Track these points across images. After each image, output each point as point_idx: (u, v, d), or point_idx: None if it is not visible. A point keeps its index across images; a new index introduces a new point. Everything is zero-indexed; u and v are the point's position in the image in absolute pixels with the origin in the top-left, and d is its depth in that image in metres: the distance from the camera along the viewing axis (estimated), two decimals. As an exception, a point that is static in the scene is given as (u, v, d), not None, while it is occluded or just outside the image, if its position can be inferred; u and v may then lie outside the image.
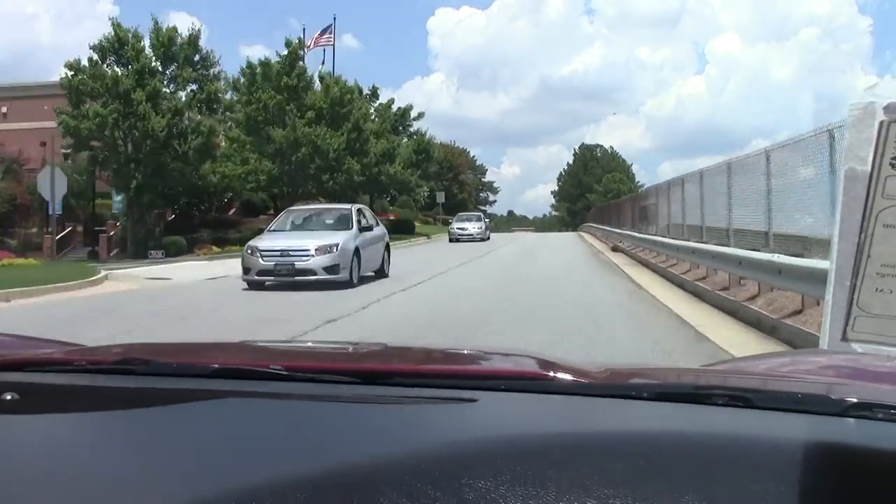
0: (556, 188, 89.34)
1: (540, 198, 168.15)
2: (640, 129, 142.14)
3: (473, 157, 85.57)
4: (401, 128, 45.33)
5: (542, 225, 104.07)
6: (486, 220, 38.27)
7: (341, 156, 31.62)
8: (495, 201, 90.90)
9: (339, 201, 23.02)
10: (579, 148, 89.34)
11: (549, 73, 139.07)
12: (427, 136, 47.00)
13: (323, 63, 39.51)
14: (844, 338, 0.60)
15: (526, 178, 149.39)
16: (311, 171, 31.33)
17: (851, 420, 0.73)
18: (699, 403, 0.83)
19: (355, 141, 32.83)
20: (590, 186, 77.93)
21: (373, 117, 38.47)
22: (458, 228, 35.77)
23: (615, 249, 24.00)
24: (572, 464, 0.63)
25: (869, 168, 0.55)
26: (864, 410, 0.73)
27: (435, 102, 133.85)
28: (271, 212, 34.28)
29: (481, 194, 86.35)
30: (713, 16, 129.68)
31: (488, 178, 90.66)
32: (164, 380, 0.97)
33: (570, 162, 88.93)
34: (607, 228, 31.66)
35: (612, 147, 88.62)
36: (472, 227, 35.27)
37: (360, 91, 43.28)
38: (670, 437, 0.72)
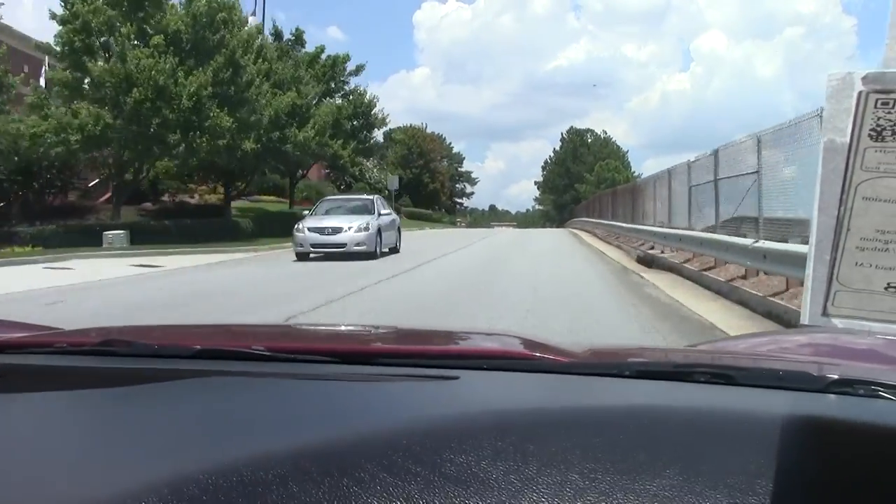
0: (541, 178, 78.68)
1: (524, 192, 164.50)
2: (625, 126, 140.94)
3: (450, 144, 78.04)
4: (332, 84, 33.14)
5: (524, 220, 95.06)
6: (385, 211, 16.87)
7: (203, 104, 19.93)
8: (472, 193, 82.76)
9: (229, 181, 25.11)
10: (567, 133, 78.28)
11: (535, 69, 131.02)
12: (369, 96, 34.05)
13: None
14: (825, 313, 0.58)
15: (510, 172, 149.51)
16: (152, 128, 19.71)
17: (832, 396, 0.75)
18: (682, 381, 0.84)
19: (228, 83, 21.02)
20: (579, 176, 69.33)
21: (277, 63, 26.15)
22: (310, 231, 15.33)
23: (645, 262, 12.94)
24: (554, 439, 0.64)
25: (848, 140, 0.54)
26: (845, 387, 0.76)
27: (420, 97, 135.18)
28: (109, 195, 22.72)
29: (457, 185, 77.84)
30: (699, 13, 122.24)
31: (467, 167, 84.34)
32: (146, 360, 0.98)
33: (557, 149, 78.88)
34: (613, 224, 23.43)
35: (604, 132, 79.41)
36: (345, 228, 15.12)
37: (279, 35, 31.70)
38: (652, 412, 0.73)
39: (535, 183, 79.80)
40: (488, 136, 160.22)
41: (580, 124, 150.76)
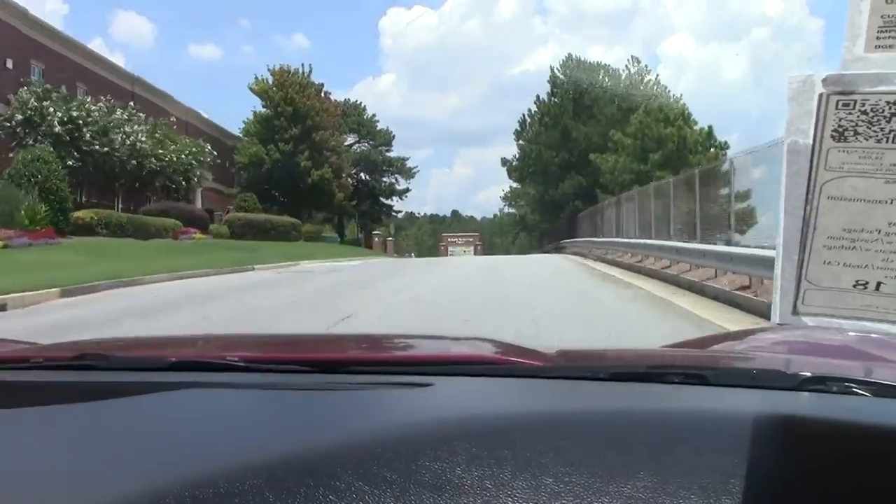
0: (514, 159, 46.97)
1: (492, 199, 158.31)
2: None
3: (374, 118, 61.16)
4: None
5: (491, 229, 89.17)
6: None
7: None
8: (408, 190, 63.68)
9: None
10: (563, 69, 43.62)
11: (501, 73, 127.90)
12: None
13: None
14: (795, 312, 0.59)
15: (478, 178, 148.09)
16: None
17: (806, 394, 0.76)
18: (655, 382, 0.85)
19: None
20: (588, 143, 38.75)
21: None
22: None
23: None
24: (528, 443, 0.64)
25: (811, 141, 0.55)
26: (818, 384, 0.76)
27: (386, 103, 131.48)
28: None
29: (384, 178, 61.38)
30: (666, 16, 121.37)
31: (399, 151, 68.58)
32: (122, 374, 0.99)
33: (543, 99, 44.13)
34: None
35: (636, 61, 42.58)
36: None
37: None
38: (625, 415, 0.74)
39: (504, 163, 46.38)
40: (456, 142, 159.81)
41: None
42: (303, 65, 46.54)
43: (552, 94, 43.33)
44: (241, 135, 45.82)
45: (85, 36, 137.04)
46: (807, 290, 0.57)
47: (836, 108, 0.54)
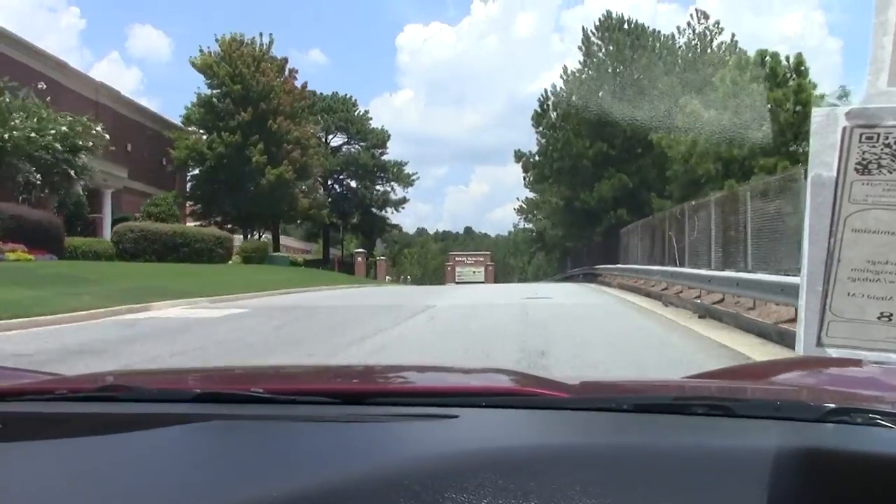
0: (531, 156, 34.95)
1: (508, 216, 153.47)
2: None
3: (366, 114, 54.27)
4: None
5: (504, 248, 78.94)
6: None
7: None
8: (405, 200, 54.67)
9: None
10: (600, 28, 31.48)
11: (519, 90, 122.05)
12: None
13: None
14: (819, 343, 0.61)
15: (494, 196, 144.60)
16: None
17: (830, 425, 0.76)
18: (679, 414, 0.84)
19: None
20: (637, 129, 25.93)
21: None
22: None
23: None
24: (553, 475, 0.65)
25: (835, 174, 0.57)
26: (842, 416, 0.76)
27: (403, 119, 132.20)
28: None
29: (377, 187, 52.93)
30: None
31: (395, 155, 60.76)
32: (147, 405, 0.98)
33: (573, 71, 31.78)
34: None
35: (705, 14, 31.62)
36: None
37: None
38: (650, 447, 0.74)
39: (519, 157, 34.74)
40: (472, 159, 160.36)
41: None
42: (261, 34, 35.83)
43: (585, 63, 30.42)
44: (182, 124, 35.48)
45: (100, 51, 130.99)
46: (831, 321, 0.58)
47: (860, 141, 0.54)
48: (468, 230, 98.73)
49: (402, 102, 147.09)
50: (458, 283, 64.46)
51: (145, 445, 0.88)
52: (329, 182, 55.64)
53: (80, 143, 23.11)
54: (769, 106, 18.34)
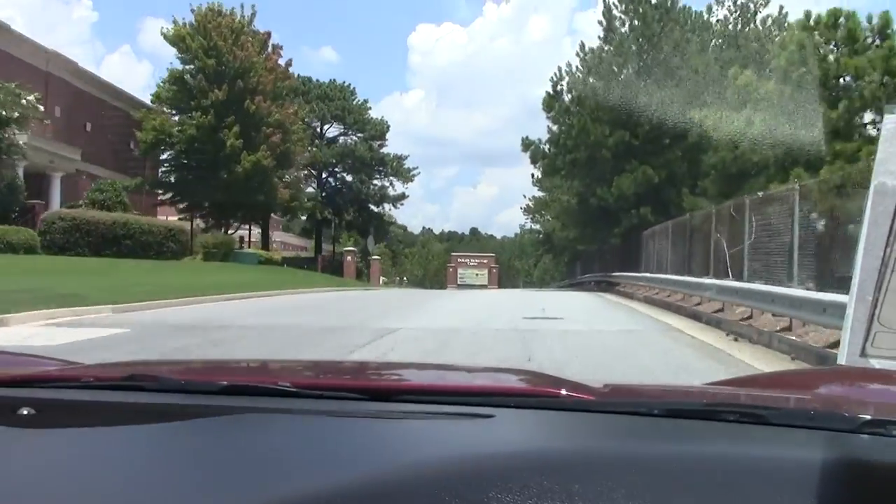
0: (541, 144, 27.07)
1: (516, 218, 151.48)
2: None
3: (365, 103, 50.06)
4: None
5: (510, 249, 75.28)
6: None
7: None
8: (404, 197, 51.10)
9: None
10: (641, 5, 24.53)
11: (530, 92, 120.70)
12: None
13: None
14: (863, 353, 0.60)
15: (503, 198, 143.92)
16: None
17: (865, 436, 0.74)
18: (710, 420, 0.84)
19: None
20: (667, 114, 20.09)
21: None
22: None
23: None
24: (596, 478, 0.65)
25: None
26: (878, 427, 0.74)
27: (413, 120, 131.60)
28: None
29: (373, 181, 49.31)
30: None
31: (394, 146, 59.48)
32: (173, 396, 0.98)
33: (592, 47, 25.70)
34: None
35: None
36: None
37: None
38: (687, 452, 0.75)
39: (527, 146, 27.37)
40: (482, 161, 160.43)
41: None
42: (242, 5, 31.95)
43: (606, 39, 25.40)
44: (151, 102, 31.65)
45: (113, 43, 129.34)
46: (878, 332, 0.50)
47: None
48: (474, 231, 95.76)
49: (413, 102, 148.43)
50: (459, 285, 60.32)
51: (172, 436, 0.88)
52: (324, 175, 51.92)
53: (3, 113, 19.34)
54: (846, 77, 14.33)
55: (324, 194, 51.95)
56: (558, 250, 47.40)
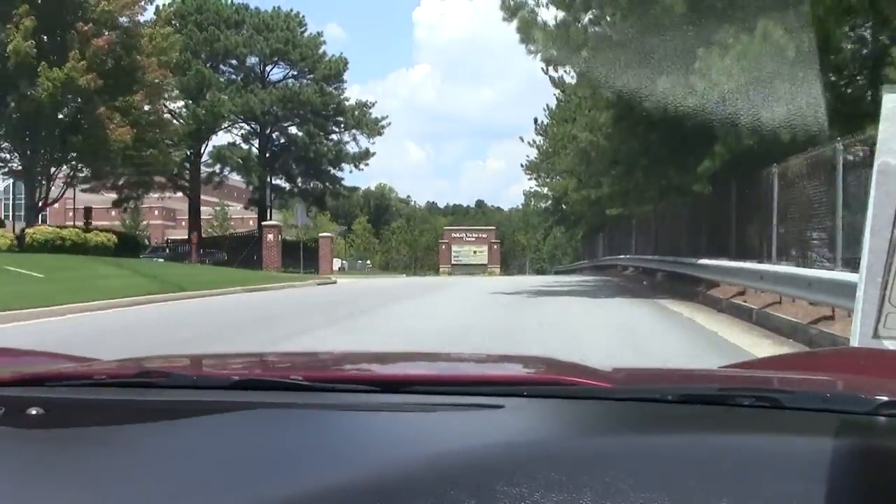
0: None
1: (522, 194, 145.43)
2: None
3: (318, 36, 39.77)
4: None
5: (517, 222, 63.42)
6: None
7: None
8: (369, 155, 39.54)
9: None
10: None
11: (537, 66, 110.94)
12: None
13: None
14: (876, 335, 0.59)
15: (510, 172, 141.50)
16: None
17: (882, 419, 0.74)
18: (724, 405, 0.84)
19: None
20: None
21: None
22: None
23: None
24: (605, 468, 0.65)
25: None
26: (895, 409, 0.74)
27: (420, 95, 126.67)
28: None
29: (332, 134, 38.60)
30: None
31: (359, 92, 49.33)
32: (185, 392, 0.98)
33: None
34: None
35: None
36: None
37: None
38: (700, 439, 0.74)
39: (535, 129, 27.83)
40: (489, 136, 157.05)
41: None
42: None
43: None
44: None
45: None
46: (889, 313, 0.54)
47: None
48: (480, 203, 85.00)
49: (419, 77, 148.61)
50: (454, 265, 47.65)
51: (184, 433, 0.88)
52: (268, 130, 39.84)
53: None
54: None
55: (268, 155, 40.08)
56: (572, 220, 35.25)
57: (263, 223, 30.45)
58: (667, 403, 0.85)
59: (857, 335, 0.56)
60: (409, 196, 79.57)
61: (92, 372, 1.09)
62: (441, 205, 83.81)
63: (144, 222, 56.41)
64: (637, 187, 14.77)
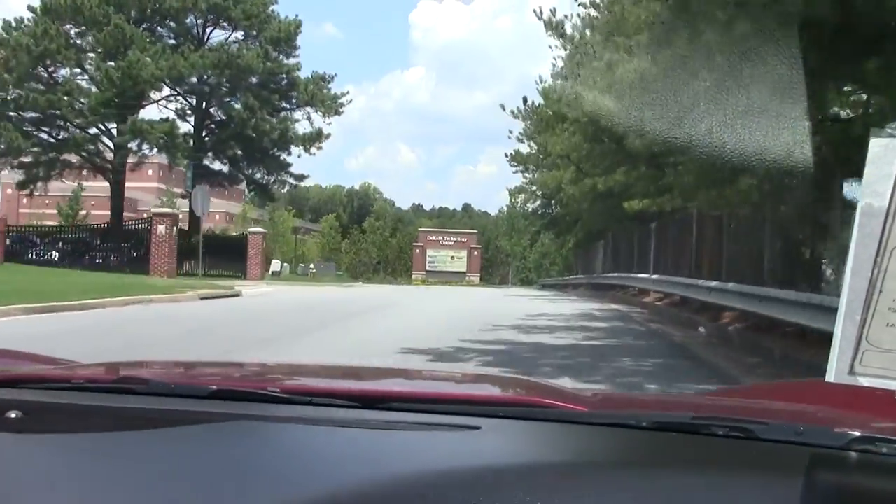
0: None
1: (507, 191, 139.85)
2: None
3: None
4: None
5: (502, 226, 56.89)
6: None
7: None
8: (322, 136, 32.25)
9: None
10: None
11: (531, 71, 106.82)
12: None
13: None
14: (852, 372, 0.60)
15: (501, 177, 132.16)
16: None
17: (854, 454, 0.74)
18: (698, 434, 0.84)
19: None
20: None
21: None
22: None
23: None
24: (580, 492, 0.66)
25: (886, 204, 0.57)
26: (867, 444, 0.74)
27: (413, 97, 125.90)
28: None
29: (280, 110, 31.96)
30: None
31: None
32: (163, 400, 0.98)
33: None
34: None
35: None
36: None
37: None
38: (674, 468, 0.75)
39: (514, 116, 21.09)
40: (482, 140, 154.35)
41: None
42: None
43: None
44: None
45: None
46: (866, 350, 0.57)
47: None
48: (466, 207, 79.36)
49: (414, 80, 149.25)
50: (429, 272, 40.32)
51: (160, 442, 0.88)
52: (203, 104, 32.92)
53: None
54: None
55: (204, 134, 33.24)
56: (564, 224, 28.75)
57: (154, 210, 23.53)
58: (641, 430, 0.85)
59: (833, 371, 0.63)
60: (391, 199, 74.32)
61: (70, 375, 1.10)
62: (427, 207, 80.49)
63: (83, 212, 49.39)
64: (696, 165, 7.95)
